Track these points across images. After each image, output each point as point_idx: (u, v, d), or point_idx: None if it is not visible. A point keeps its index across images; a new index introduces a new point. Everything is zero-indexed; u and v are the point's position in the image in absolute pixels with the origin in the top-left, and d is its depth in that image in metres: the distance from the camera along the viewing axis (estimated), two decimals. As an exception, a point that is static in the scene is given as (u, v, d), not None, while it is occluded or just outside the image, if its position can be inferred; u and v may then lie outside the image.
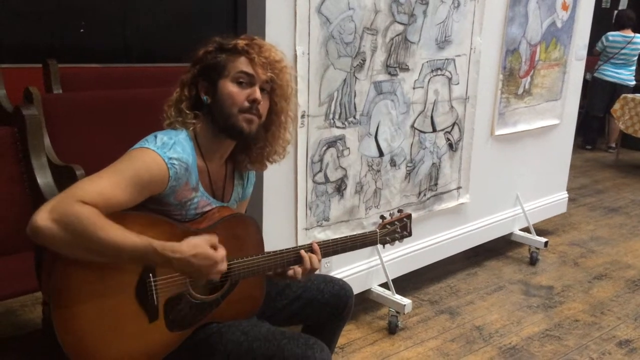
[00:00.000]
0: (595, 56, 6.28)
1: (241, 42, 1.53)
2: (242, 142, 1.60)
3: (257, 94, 1.52)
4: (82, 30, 4.42)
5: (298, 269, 1.62)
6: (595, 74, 6.36)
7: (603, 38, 6.23)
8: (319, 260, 1.66)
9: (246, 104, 1.51)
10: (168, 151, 1.44)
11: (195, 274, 1.42)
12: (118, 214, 1.36)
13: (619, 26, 6.23)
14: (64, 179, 2.50)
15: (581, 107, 4.21)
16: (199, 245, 1.40)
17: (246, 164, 1.67)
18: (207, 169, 1.56)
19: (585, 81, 4.23)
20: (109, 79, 3.88)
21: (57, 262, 1.32)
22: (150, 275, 1.42)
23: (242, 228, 1.62)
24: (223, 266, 1.45)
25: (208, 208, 1.57)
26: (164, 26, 4.83)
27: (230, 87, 1.51)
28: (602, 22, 6.67)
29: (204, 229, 1.52)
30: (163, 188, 1.44)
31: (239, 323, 1.57)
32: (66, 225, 1.27)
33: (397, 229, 1.88)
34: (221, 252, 1.44)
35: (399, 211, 1.93)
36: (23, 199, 2.38)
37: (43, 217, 1.26)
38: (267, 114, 1.58)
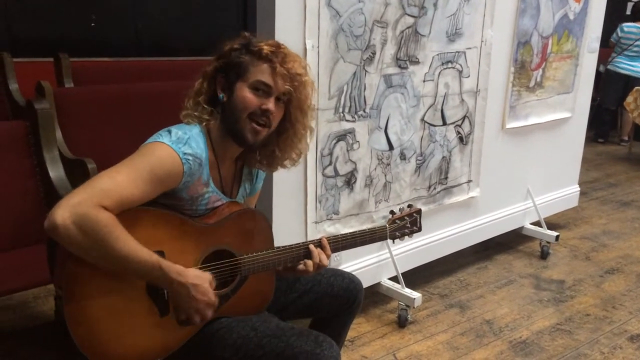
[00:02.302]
0: (609, 48, 6.20)
1: (267, 48, 1.51)
2: (247, 149, 1.61)
3: (271, 104, 1.51)
4: (93, 24, 4.44)
5: (309, 262, 1.64)
6: (609, 66, 6.28)
7: (618, 29, 6.14)
8: (328, 256, 1.66)
9: (258, 110, 1.51)
10: (183, 146, 1.44)
11: (186, 303, 1.43)
12: (131, 210, 1.38)
13: (635, 18, 6.15)
14: (76, 172, 2.52)
15: (593, 99, 4.17)
16: (203, 279, 1.43)
17: (256, 162, 1.68)
18: (217, 165, 1.57)
19: (598, 73, 4.18)
20: (121, 72, 3.90)
21: (70, 256, 1.33)
22: None
23: (252, 223, 1.63)
24: (210, 312, 1.47)
25: (218, 204, 1.58)
26: (175, 19, 4.84)
27: (246, 92, 1.51)
28: (615, 13, 6.59)
29: (214, 224, 1.53)
30: (177, 183, 1.45)
31: (248, 318, 1.58)
32: (84, 229, 1.28)
33: (406, 224, 1.88)
34: (215, 298, 1.46)
35: (409, 206, 1.93)
36: (35, 193, 2.40)
37: (64, 216, 1.27)
38: (280, 121, 1.58)
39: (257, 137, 1.54)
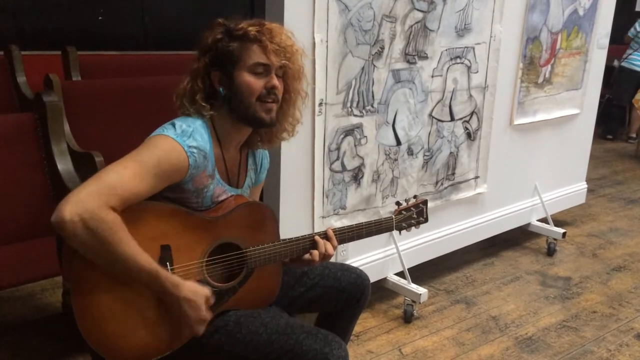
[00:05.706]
0: (624, 45, 6.11)
1: (252, 29, 1.50)
2: (263, 129, 1.61)
3: (275, 81, 1.52)
4: (100, 18, 4.45)
5: (315, 252, 1.64)
6: (623, 63, 6.18)
7: (636, 24, 6.05)
8: (334, 247, 1.67)
9: (264, 91, 1.52)
10: (188, 139, 1.45)
11: (177, 316, 1.43)
12: (137, 204, 1.38)
13: None
14: (84, 165, 2.52)
15: (602, 96, 4.14)
16: (198, 294, 1.42)
17: (258, 142, 1.68)
18: (223, 156, 1.57)
19: (608, 69, 4.14)
20: (128, 66, 3.90)
21: (78, 251, 1.34)
22: (168, 264, 1.43)
23: (258, 216, 1.63)
24: (201, 328, 1.46)
25: (224, 196, 1.58)
26: (182, 13, 4.83)
27: (247, 78, 1.51)
28: (624, 9, 6.53)
29: (220, 217, 1.53)
30: (182, 176, 1.45)
31: (258, 313, 1.58)
32: (91, 228, 1.28)
33: (412, 214, 1.88)
34: (208, 315, 1.46)
35: (415, 197, 1.93)
36: (43, 185, 2.41)
37: (71, 212, 1.27)
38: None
39: (271, 114, 1.54)
